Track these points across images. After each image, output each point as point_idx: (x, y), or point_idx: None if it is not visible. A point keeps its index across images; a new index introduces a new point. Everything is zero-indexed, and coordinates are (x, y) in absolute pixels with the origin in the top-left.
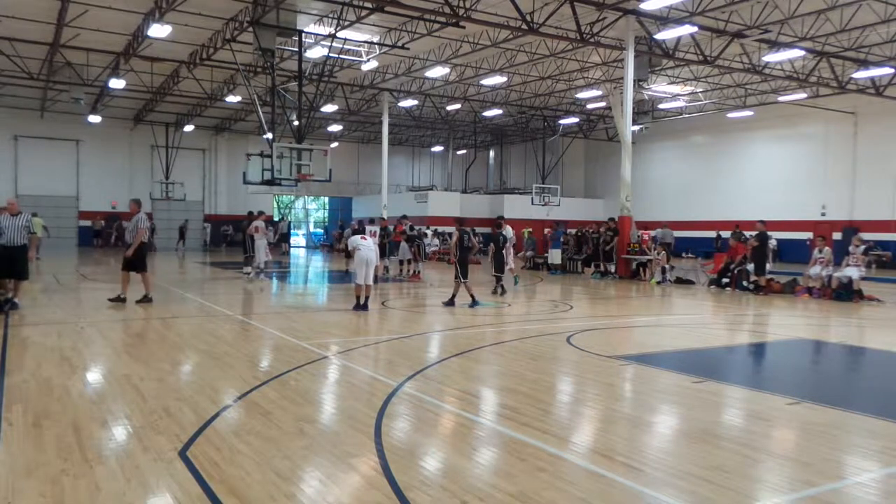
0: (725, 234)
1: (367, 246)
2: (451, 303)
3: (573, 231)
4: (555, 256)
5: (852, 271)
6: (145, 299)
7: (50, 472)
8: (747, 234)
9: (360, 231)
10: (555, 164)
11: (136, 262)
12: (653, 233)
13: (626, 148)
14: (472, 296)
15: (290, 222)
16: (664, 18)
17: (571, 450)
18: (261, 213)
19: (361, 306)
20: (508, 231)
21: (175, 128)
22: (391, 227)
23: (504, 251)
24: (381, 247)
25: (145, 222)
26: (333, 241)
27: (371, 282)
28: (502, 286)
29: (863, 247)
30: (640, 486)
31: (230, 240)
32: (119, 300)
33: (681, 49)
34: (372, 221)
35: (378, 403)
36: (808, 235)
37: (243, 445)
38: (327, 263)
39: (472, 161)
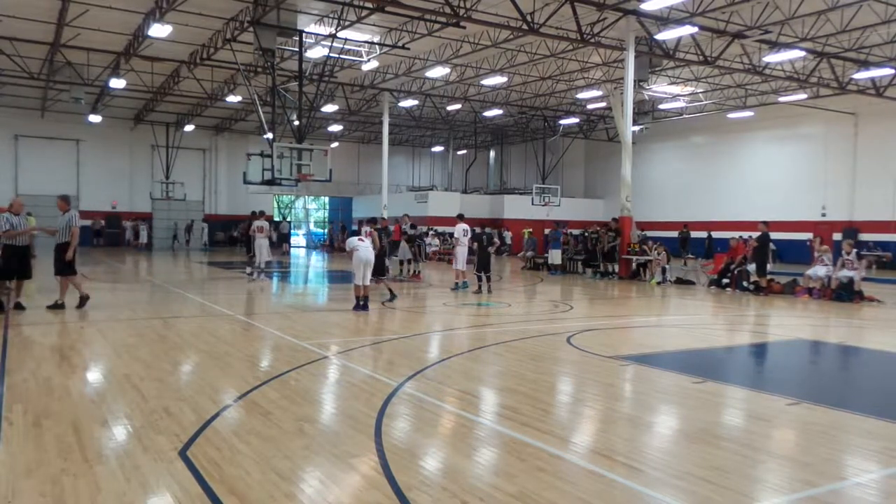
0: (722, 234)
1: (364, 247)
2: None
3: (576, 232)
4: (555, 256)
5: (849, 273)
6: (56, 306)
7: (50, 472)
8: (747, 234)
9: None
10: (555, 165)
11: (65, 266)
12: None
13: (627, 148)
14: (390, 290)
15: (290, 222)
16: (664, 19)
17: (571, 450)
18: (262, 213)
19: (361, 306)
20: (458, 229)
21: (175, 128)
22: (391, 227)
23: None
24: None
25: (78, 221)
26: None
27: (369, 282)
28: (489, 285)
29: (854, 251)
30: (640, 486)
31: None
32: (59, 306)
33: (681, 49)
34: (373, 220)
35: (378, 403)
36: (808, 236)
37: (243, 445)
38: (327, 263)
39: (472, 161)
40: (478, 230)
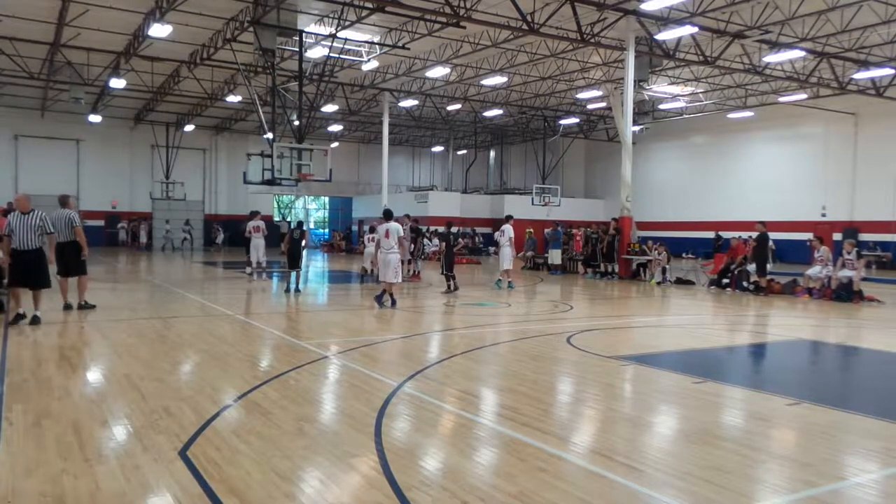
0: (725, 234)
1: (367, 250)
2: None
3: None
4: (555, 256)
5: (848, 273)
6: (84, 306)
7: (50, 472)
8: (746, 234)
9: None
10: (555, 165)
11: (82, 264)
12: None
13: (627, 148)
14: (289, 282)
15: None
16: (665, 19)
17: (571, 450)
18: (257, 212)
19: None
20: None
21: (175, 127)
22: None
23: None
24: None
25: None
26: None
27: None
28: (453, 284)
29: (854, 251)
30: (640, 487)
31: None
32: (77, 308)
33: (681, 49)
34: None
35: (378, 403)
36: (808, 236)
37: (243, 445)
38: (329, 263)
39: (472, 161)
40: (442, 229)
